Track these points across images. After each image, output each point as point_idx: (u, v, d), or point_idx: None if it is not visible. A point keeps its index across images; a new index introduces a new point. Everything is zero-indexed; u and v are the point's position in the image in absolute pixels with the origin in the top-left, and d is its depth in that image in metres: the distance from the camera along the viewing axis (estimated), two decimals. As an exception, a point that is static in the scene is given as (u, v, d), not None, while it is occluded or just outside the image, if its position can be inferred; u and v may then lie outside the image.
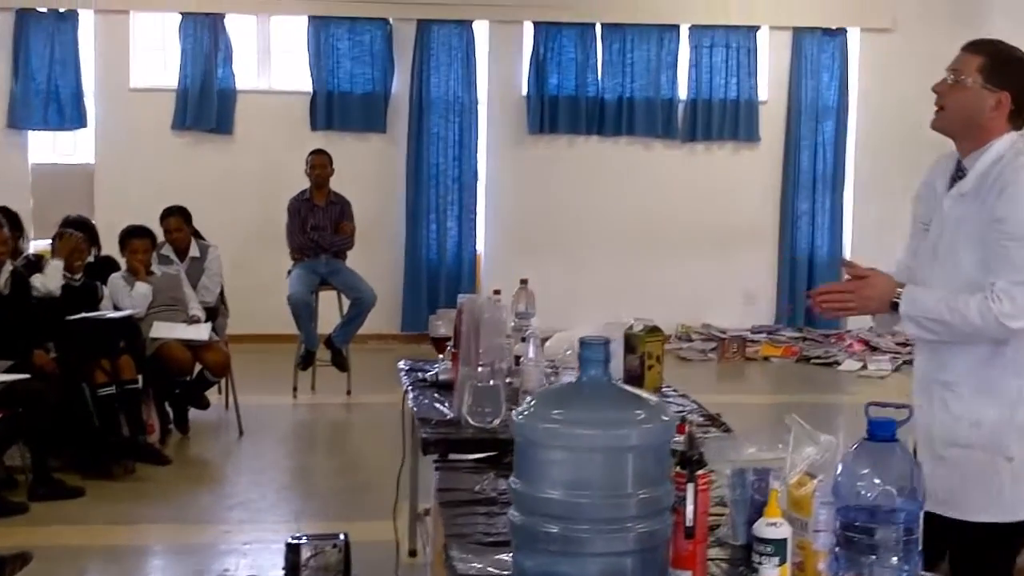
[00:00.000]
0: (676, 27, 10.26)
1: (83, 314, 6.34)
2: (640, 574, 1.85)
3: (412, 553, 4.66)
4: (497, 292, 3.84)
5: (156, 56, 10.18)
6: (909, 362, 9.61)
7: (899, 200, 9.88)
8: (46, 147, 10.18)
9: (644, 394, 1.93)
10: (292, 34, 10.20)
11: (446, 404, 3.55)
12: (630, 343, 3.59)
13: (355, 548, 4.57)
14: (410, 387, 3.91)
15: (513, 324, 3.93)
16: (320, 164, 8.30)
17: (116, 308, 6.66)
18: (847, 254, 10.65)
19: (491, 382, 3.24)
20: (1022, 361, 2.79)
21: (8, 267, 6.13)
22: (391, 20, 10.08)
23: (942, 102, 2.87)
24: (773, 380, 9.53)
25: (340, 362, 8.26)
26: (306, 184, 8.34)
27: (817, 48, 10.44)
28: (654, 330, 3.60)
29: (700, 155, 10.47)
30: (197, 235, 7.67)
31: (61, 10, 9.74)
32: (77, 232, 6.78)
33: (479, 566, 2.17)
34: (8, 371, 5.73)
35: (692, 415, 3.52)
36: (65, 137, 10.08)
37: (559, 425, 1.79)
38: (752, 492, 2.31)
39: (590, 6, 10.15)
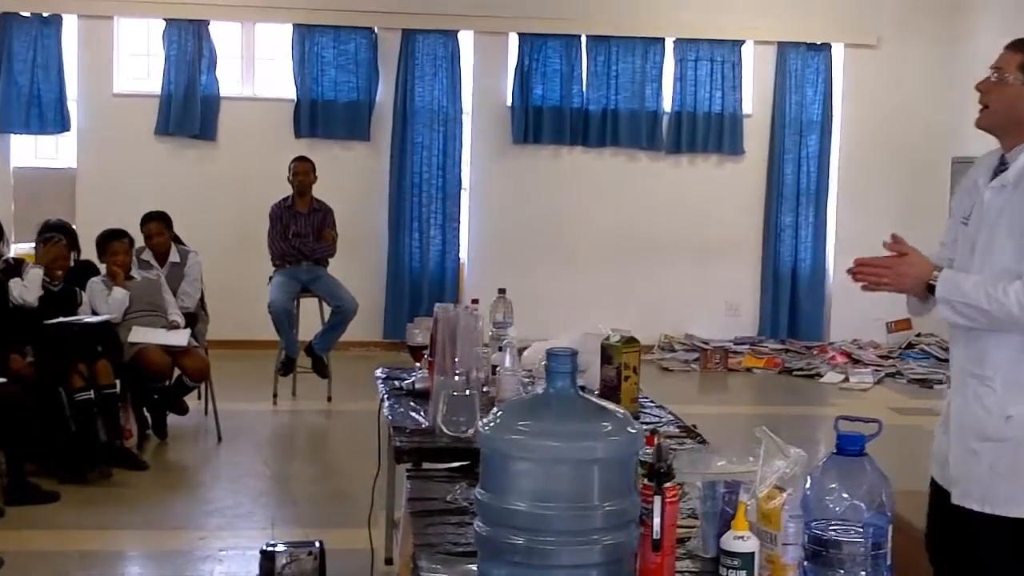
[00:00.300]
0: (661, 40, 10.29)
1: (60, 319, 6.32)
2: (607, 586, 1.85)
3: (388, 561, 4.64)
4: (475, 301, 3.84)
5: (140, 62, 10.16)
6: (891, 375, 9.66)
7: (882, 214, 10.05)
8: (28, 151, 10.13)
9: (611, 406, 1.92)
10: (276, 41, 10.18)
11: (422, 413, 3.54)
12: (607, 354, 3.58)
13: (331, 556, 4.56)
14: (386, 395, 3.89)
15: (491, 333, 3.93)
16: (303, 171, 8.30)
17: (94, 313, 6.63)
18: (830, 267, 10.70)
19: (466, 391, 3.23)
20: None
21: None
22: (376, 29, 10.08)
23: (986, 100, 2.89)
24: (755, 391, 9.54)
25: (321, 369, 8.24)
26: (289, 191, 8.33)
27: (801, 63, 10.48)
28: (631, 341, 3.59)
29: (684, 167, 10.50)
30: (177, 240, 7.65)
31: (45, 14, 9.72)
32: (62, 239, 6.76)
33: (446, 576, 2.16)
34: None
35: (667, 426, 3.52)
36: (48, 141, 10.05)
37: (525, 436, 1.78)
38: (723, 505, 2.31)
39: (575, 18, 10.17)
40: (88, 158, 9.90)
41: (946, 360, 10.14)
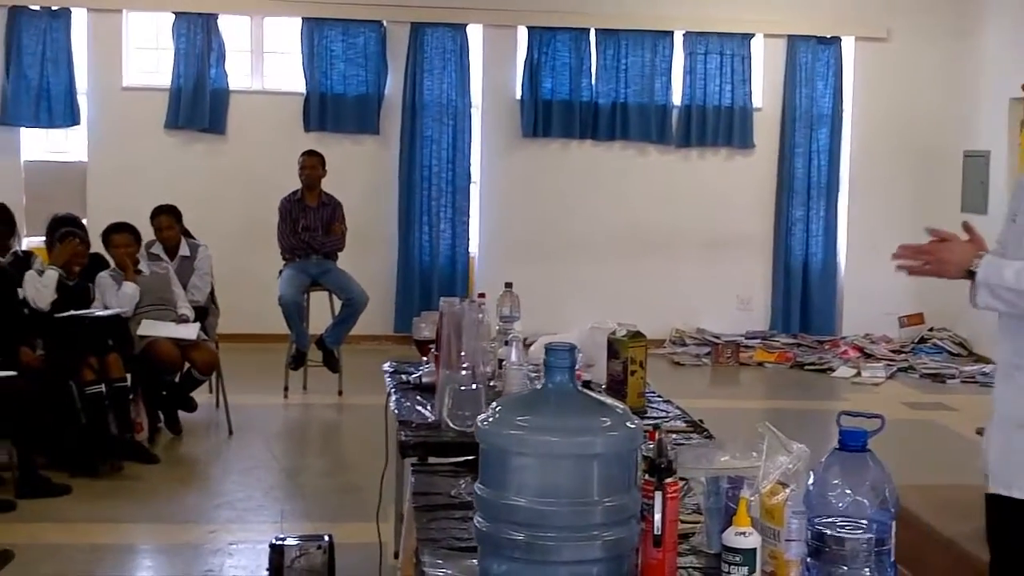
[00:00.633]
0: (670, 33, 10.27)
1: (71, 312, 6.34)
2: (608, 581, 1.84)
3: (397, 555, 4.65)
4: (482, 295, 3.83)
5: (149, 55, 10.17)
6: (903, 369, 9.64)
7: (894, 207, 10.03)
8: (39, 144, 10.17)
9: (610, 401, 1.92)
10: (285, 35, 10.18)
11: (428, 407, 3.55)
12: (613, 348, 3.58)
13: (340, 550, 4.57)
14: (393, 389, 3.90)
15: (497, 327, 3.92)
16: (311, 165, 8.31)
17: (105, 307, 6.65)
18: (841, 261, 10.68)
19: (472, 385, 3.23)
20: None
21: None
22: (385, 23, 10.07)
23: None
24: (766, 386, 9.53)
25: (331, 363, 8.26)
26: (298, 185, 8.34)
27: (811, 56, 10.45)
28: (637, 335, 3.59)
29: (694, 161, 10.48)
30: (187, 234, 7.67)
31: (54, 8, 9.74)
32: (79, 235, 6.77)
33: (449, 571, 2.16)
34: (-7, 369, 5.74)
35: (674, 421, 3.52)
36: (58, 135, 10.07)
37: (524, 432, 1.78)
38: (726, 500, 2.30)
39: (584, 11, 10.15)
40: (98, 151, 9.93)
41: (958, 355, 10.20)
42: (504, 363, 3.55)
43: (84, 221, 7.76)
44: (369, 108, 10.09)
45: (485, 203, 10.39)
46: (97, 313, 6.47)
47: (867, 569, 1.99)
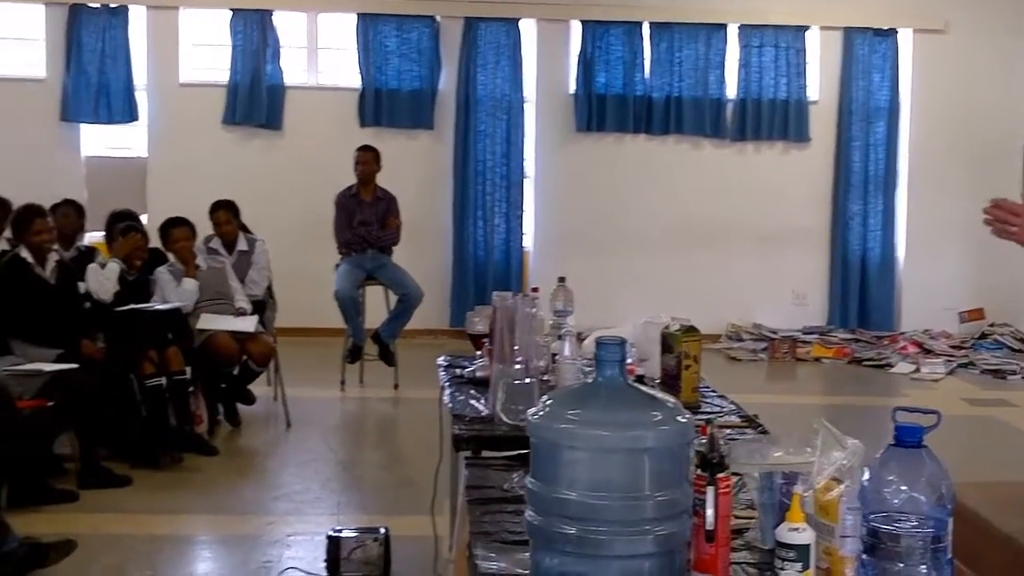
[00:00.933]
0: (724, 26, 10.23)
1: (131, 306, 6.44)
2: (659, 576, 1.84)
3: (451, 549, 4.67)
4: (535, 290, 3.84)
5: (206, 52, 10.29)
6: (963, 365, 9.53)
7: (953, 201, 9.90)
8: (100, 140, 10.32)
9: (661, 395, 1.91)
10: (340, 31, 10.25)
11: (482, 401, 3.56)
12: (667, 343, 3.57)
13: (396, 542, 4.62)
14: (447, 383, 3.92)
15: (551, 322, 3.93)
16: (365, 160, 8.37)
17: (164, 301, 6.74)
18: (900, 256, 10.58)
19: (526, 380, 3.23)
20: None
21: (54, 257, 6.24)
22: (438, 18, 10.11)
23: None
24: (823, 381, 9.47)
25: (387, 357, 8.32)
26: (354, 180, 8.40)
27: (868, 48, 10.35)
28: (691, 329, 3.57)
29: (749, 155, 10.42)
30: (245, 229, 7.75)
31: (112, 5, 9.89)
32: (140, 229, 6.87)
33: (502, 565, 2.17)
34: (56, 360, 5.84)
35: (728, 416, 3.50)
36: (118, 131, 10.22)
37: (574, 426, 1.78)
38: (780, 496, 2.29)
39: (638, 5, 10.13)
40: (157, 147, 10.07)
41: (1019, 351, 10.04)
42: (557, 357, 3.55)
43: (144, 216, 7.89)
44: (423, 103, 10.14)
45: (539, 197, 10.40)
46: (157, 307, 6.57)
47: (923, 566, 1.98)
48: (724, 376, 7.80)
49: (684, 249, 10.32)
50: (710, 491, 1.98)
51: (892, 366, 9.54)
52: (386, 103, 10.11)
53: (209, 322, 6.89)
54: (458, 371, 4.06)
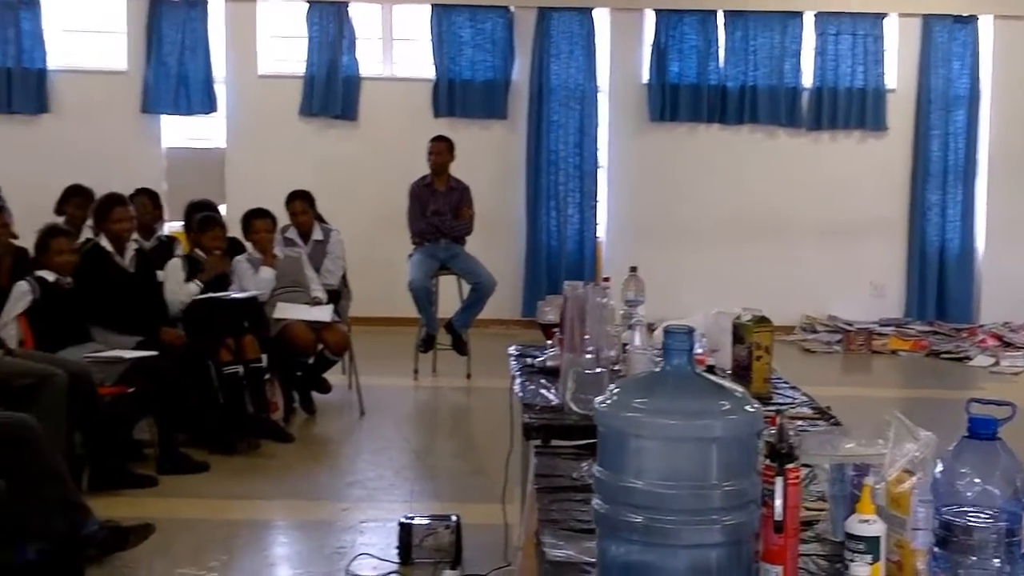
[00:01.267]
0: (800, 14, 10.12)
1: (209, 294, 6.54)
2: (727, 567, 1.83)
3: (522, 537, 4.70)
4: (606, 279, 3.85)
5: (283, 44, 10.40)
6: (1045, 358, 9.34)
7: (1035, 191, 9.67)
8: (180, 132, 10.49)
9: (729, 385, 1.91)
10: (415, 22, 10.31)
11: (552, 390, 3.57)
12: (738, 333, 3.56)
13: (467, 530, 4.65)
14: (518, 372, 3.94)
15: (622, 312, 3.93)
16: (438, 151, 8.40)
17: (242, 290, 6.82)
18: (979, 247, 10.40)
19: (596, 369, 3.24)
20: None
21: (134, 246, 6.35)
22: (512, 8, 10.13)
23: None
24: (900, 374, 9.34)
25: (460, 346, 8.36)
26: (428, 170, 8.45)
27: (948, 36, 10.17)
28: (762, 320, 3.55)
29: (825, 144, 10.30)
30: (320, 219, 7.83)
31: (192, -3, 10.06)
32: (218, 220, 6.96)
33: (569, 552, 2.18)
34: (136, 347, 5.95)
35: (800, 408, 3.48)
36: (198, 122, 10.38)
37: (641, 414, 1.78)
38: (851, 488, 2.28)
39: (712, -7, 10.07)
40: (235, 138, 10.22)
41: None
42: (628, 347, 3.55)
43: (223, 207, 7.99)
44: (497, 93, 10.16)
45: (612, 188, 10.38)
46: (234, 296, 6.64)
47: (996, 560, 1.95)
48: (797, 368, 7.73)
49: (758, 240, 10.23)
50: (779, 481, 1.97)
51: (970, 359, 9.38)
52: (460, 93, 10.15)
53: (285, 311, 6.97)
54: (529, 360, 4.08)
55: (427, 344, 8.34)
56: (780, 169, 10.24)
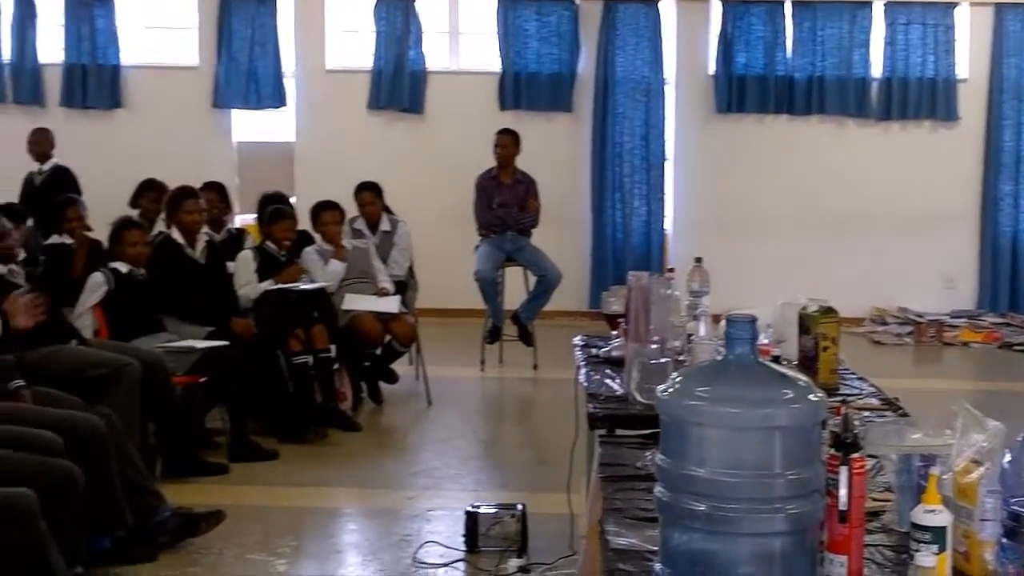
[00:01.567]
0: (869, 4, 10.00)
1: (279, 285, 6.62)
2: (791, 555, 1.84)
3: (589, 526, 4.72)
4: (671, 270, 3.85)
5: (351, 38, 10.48)
6: (1119, 352, 9.17)
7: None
8: (250, 126, 10.61)
9: (792, 373, 1.91)
10: (481, 15, 10.33)
11: (617, 380, 3.59)
12: (804, 324, 3.54)
13: (533, 519, 4.68)
14: (583, 363, 3.96)
15: (687, 302, 3.93)
16: (504, 144, 8.43)
17: (311, 281, 6.90)
18: (1054, 238, 10.21)
19: (661, 359, 3.25)
20: None
21: (204, 238, 6.46)
22: (577, 0, 10.11)
23: None
24: (971, 366, 9.22)
25: (526, 338, 8.39)
26: (494, 163, 8.49)
27: (1020, 24, 10.01)
28: (829, 311, 3.54)
29: (895, 134, 10.17)
30: (387, 211, 7.90)
31: (261, -8, 10.17)
32: (288, 213, 7.04)
33: (632, 541, 2.20)
34: (207, 337, 6.05)
35: (867, 399, 3.46)
36: (268, 116, 10.49)
37: (703, 403, 1.79)
38: (918, 478, 2.27)
39: (780, -17, 9.97)
40: (304, 132, 10.33)
41: None
42: (693, 338, 3.55)
43: (292, 199, 8.08)
44: (562, 86, 10.16)
45: (678, 179, 10.35)
46: (303, 286, 6.72)
47: (1065, 551, 1.94)
48: (866, 360, 7.64)
49: (826, 231, 10.14)
50: (843, 471, 1.97)
51: (1044, 351, 9.25)
52: (525, 86, 10.17)
53: (353, 302, 7.03)
54: (594, 351, 4.10)
55: (493, 335, 8.39)
56: (849, 160, 10.12)
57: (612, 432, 3.17)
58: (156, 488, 4.74)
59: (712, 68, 10.14)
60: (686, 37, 10.19)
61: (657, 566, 1.91)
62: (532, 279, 8.45)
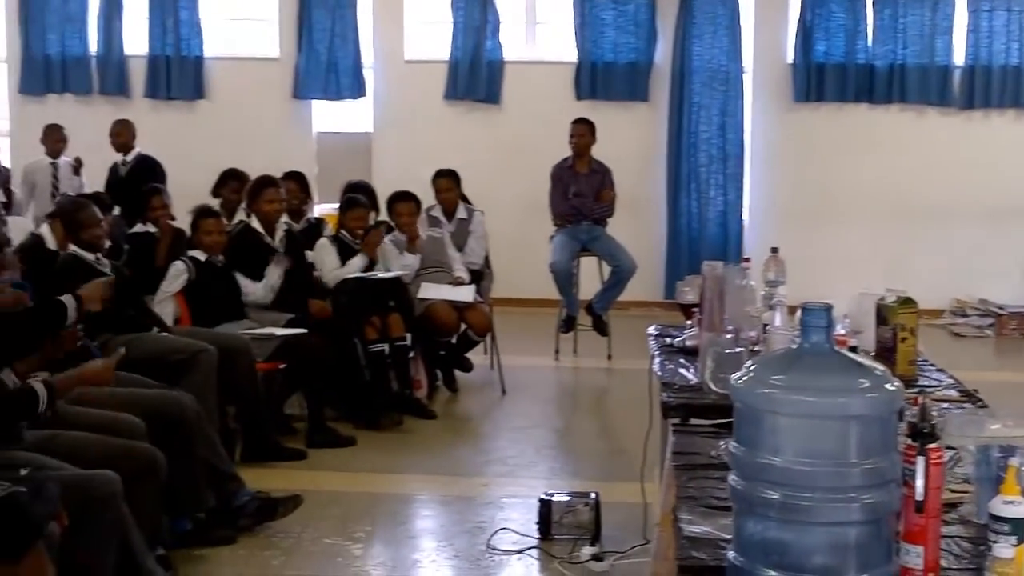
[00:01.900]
0: (951, -9, 9.81)
1: (356, 273, 6.70)
2: (866, 545, 1.84)
3: (663, 516, 4.71)
4: (746, 260, 3.84)
5: (429, 29, 10.53)
6: None
7: None
8: (329, 116, 10.71)
9: (868, 362, 1.90)
10: (557, 5, 10.32)
11: (691, 370, 3.59)
12: (882, 314, 3.51)
13: (606, 508, 4.69)
14: (657, 352, 3.96)
15: (763, 292, 3.91)
16: (579, 133, 8.43)
17: (386, 270, 6.96)
18: None
19: (735, 348, 3.25)
20: None
21: (283, 227, 6.54)
22: (654, -11, 10.06)
23: None
24: (1055, 359, 9.02)
25: (601, 327, 8.39)
26: (570, 152, 8.48)
27: (1106, 9, 9.74)
28: (907, 301, 3.50)
29: (978, 123, 9.96)
30: (464, 200, 7.93)
31: (342, -15, 10.25)
32: (361, 203, 7.11)
33: (705, 529, 2.20)
34: (286, 325, 6.14)
35: (946, 390, 3.42)
36: (347, 107, 10.58)
37: (778, 391, 1.79)
38: (997, 470, 2.25)
39: (862, -29, 9.81)
40: (383, 122, 10.40)
41: None
42: (768, 328, 3.54)
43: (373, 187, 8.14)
44: (639, 75, 10.11)
45: (756, 170, 10.25)
46: (379, 275, 6.78)
47: None
48: (946, 352, 7.53)
49: (905, 222, 9.98)
50: (920, 461, 1.96)
51: None
52: (602, 76, 10.13)
53: (429, 291, 7.08)
54: (668, 340, 4.10)
55: (568, 325, 8.39)
56: (930, 149, 9.95)
57: (686, 421, 3.18)
58: (236, 472, 4.83)
59: (791, 56, 10.03)
60: (764, 25, 10.09)
61: (731, 554, 1.92)
62: (607, 269, 8.44)
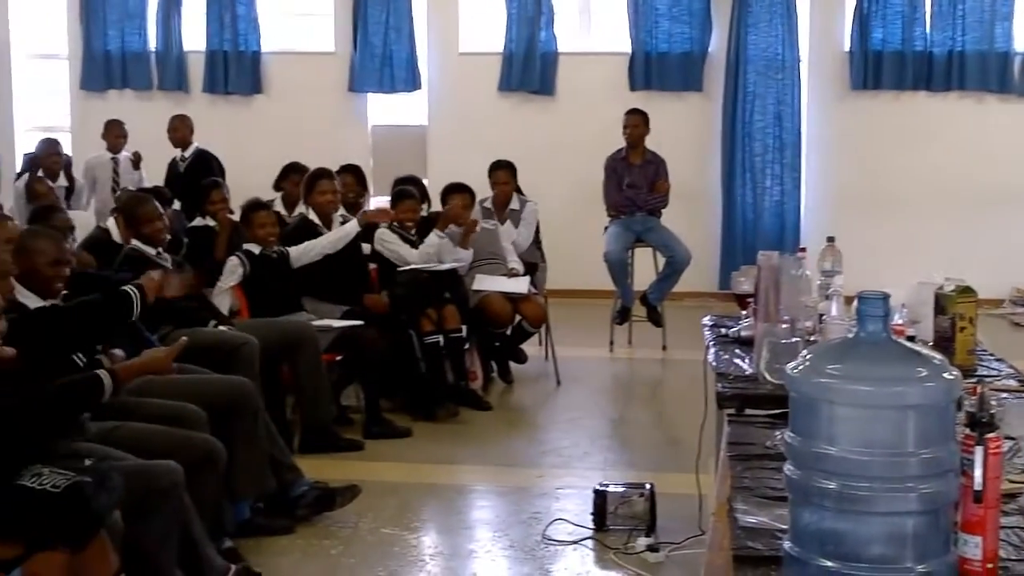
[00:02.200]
0: (1012, -25, 9.66)
1: (412, 265, 6.74)
2: (924, 535, 1.82)
3: (718, 507, 4.70)
4: (802, 250, 3.81)
5: (483, 21, 10.55)
6: None
7: None
8: (384, 109, 10.77)
9: (926, 351, 1.89)
10: (612, -4, 10.31)
11: (746, 360, 3.58)
12: (940, 304, 3.48)
13: (661, 499, 4.69)
14: (712, 342, 3.95)
15: (819, 282, 3.89)
16: (633, 124, 8.41)
17: (440, 262, 6.98)
18: None
19: (791, 339, 3.23)
20: None
21: (339, 220, 6.59)
22: (710, -22, 10.01)
23: None
24: (1119, 351, 8.86)
25: (655, 318, 8.37)
26: (624, 143, 8.47)
27: None
28: (966, 290, 3.47)
29: (1039, 110, 9.82)
30: (519, 191, 7.95)
31: (396, -21, 10.29)
32: (410, 194, 7.14)
33: (761, 519, 2.20)
34: (343, 317, 6.19)
35: (1006, 380, 3.38)
36: (402, 99, 10.64)
37: (834, 380, 1.78)
38: (1057, 461, 2.23)
39: (919, -42, 9.69)
40: (437, 115, 10.45)
41: None
42: (824, 318, 3.52)
43: (425, 182, 8.19)
44: (693, 65, 10.08)
45: (812, 159, 10.17)
46: (435, 267, 6.82)
47: None
48: (1006, 342, 7.42)
49: (964, 211, 9.85)
50: (978, 451, 1.94)
51: None
52: (656, 66, 10.10)
53: (483, 283, 7.11)
54: (723, 331, 4.09)
55: (623, 316, 8.39)
56: (989, 137, 9.82)
57: (741, 411, 3.17)
58: (294, 463, 4.88)
59: (847, 44, 9.93)
60: (820, 13, 10.00)
61: (786, 544, 1.91)
62: (661, 260, 8.42)
